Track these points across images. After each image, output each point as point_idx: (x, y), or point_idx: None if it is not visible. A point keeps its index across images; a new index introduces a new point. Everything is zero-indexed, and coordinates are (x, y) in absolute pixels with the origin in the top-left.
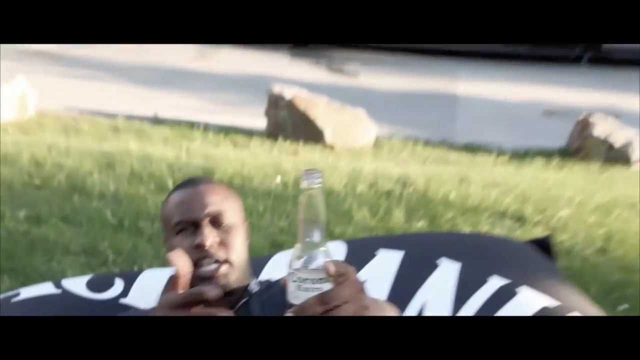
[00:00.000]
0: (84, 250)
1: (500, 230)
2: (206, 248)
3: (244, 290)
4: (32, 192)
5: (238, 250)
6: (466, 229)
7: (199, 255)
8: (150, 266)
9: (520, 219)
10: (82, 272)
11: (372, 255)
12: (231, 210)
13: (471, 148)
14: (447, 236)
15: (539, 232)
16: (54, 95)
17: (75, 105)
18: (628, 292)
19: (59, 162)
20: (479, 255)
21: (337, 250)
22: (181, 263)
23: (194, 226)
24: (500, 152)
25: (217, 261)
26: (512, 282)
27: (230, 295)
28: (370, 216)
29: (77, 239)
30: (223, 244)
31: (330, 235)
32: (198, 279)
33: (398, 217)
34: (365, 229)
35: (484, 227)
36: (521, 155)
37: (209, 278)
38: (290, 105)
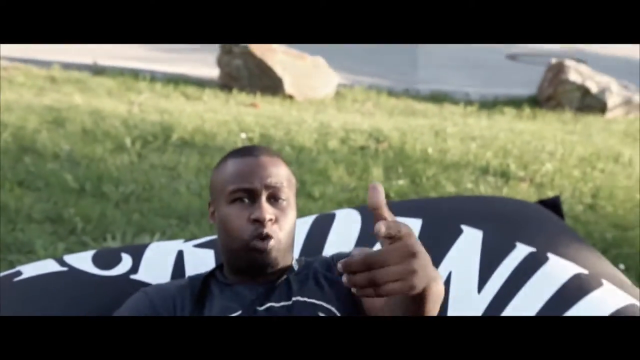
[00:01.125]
0: (49, 218)
1: (484, 187)
2: (264, 222)
3: (286, 269)
4: None
5: (289, 230)
6: (449, 187)
7: (253, 228)
8: (124, 234)
9: (504, 175)
10: (51, 242)
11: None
12: (288, 187)
13: (437, 97)
14: (463, 202)
15: (524, 189)
16: None
17: (3, 52)
18: (624, 250)
19: (0, 118)
20: (500, 221)
21: (351, 218)
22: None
23: (251, 197)
24: (468, 101)
25: (267, 236)
26: (537, 249)
27: (273, 273)
28: (348, 175)
29: (39, 205)
30: (277, 221)
31: (309, 197)
32: (247, 250)
33: (377, 175)
34: (345, 189)
35: (468, 185)
36: (490, 104)
37: (260, 252)
38: (246, 53)
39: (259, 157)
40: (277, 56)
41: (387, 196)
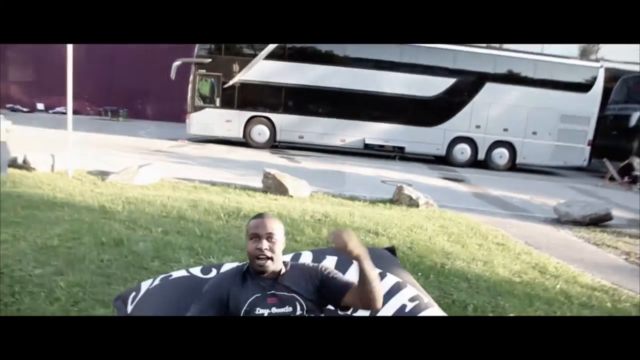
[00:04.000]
0: None
1: (369, 240)
2: (262, 250)
3: (279, 272)
4: None
5: (278, 254)
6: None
7: (258, 253)
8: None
9: (376, 233)
10: None
11: (324, 258)
12: (278, 231)
13: (353, 197)
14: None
15: (384, 241)
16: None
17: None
18: (421, 268)
19: None
20: (379, 259)
21: (305, 256)
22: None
23: (259, 237)
24: (365, 200)
25: (266, 257)
26: (401, 280)
27: (270, 276)
28: (312, 232)
29: None
30: (270, 249)
31: (294, 242)
32: (256, 266)
33: (324, 232)
34: (310, 238)
35: (367, 239)
36: (372, 201)
37: (261, 267)
38: (273, 177)
39: (263, 218)
40: (286, 179)
41: (317, 245)
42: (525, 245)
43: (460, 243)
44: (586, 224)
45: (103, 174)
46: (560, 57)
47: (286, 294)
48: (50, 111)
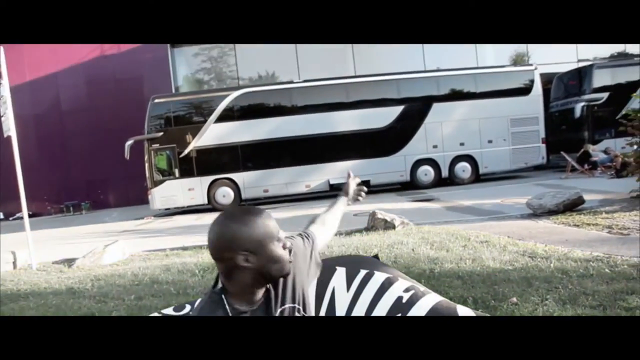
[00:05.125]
0: None
1: (358, 252)
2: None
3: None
4: None
5: None
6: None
7: (289, 257)
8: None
9: (366, 252)
10: None
11: (334, 270)
12: None
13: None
14: (349, 256)
15: (372, 253)
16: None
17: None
18: (411, 276)
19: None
20: (363, 263)
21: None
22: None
23: (279, 238)
24: (340, 233)
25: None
26: (391, 276)
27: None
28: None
29: None
30: None
31: None
32: (288, 269)
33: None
34: None
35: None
36: (348, 232)
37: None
38: None
39: (271, 218)
40: None
41: None
42: (509, 238)
43: (444, 248)
44: (561, 211)
45: (69, 261)
46: (496, 67)
47: (287, 306)
48: (11, 218)
